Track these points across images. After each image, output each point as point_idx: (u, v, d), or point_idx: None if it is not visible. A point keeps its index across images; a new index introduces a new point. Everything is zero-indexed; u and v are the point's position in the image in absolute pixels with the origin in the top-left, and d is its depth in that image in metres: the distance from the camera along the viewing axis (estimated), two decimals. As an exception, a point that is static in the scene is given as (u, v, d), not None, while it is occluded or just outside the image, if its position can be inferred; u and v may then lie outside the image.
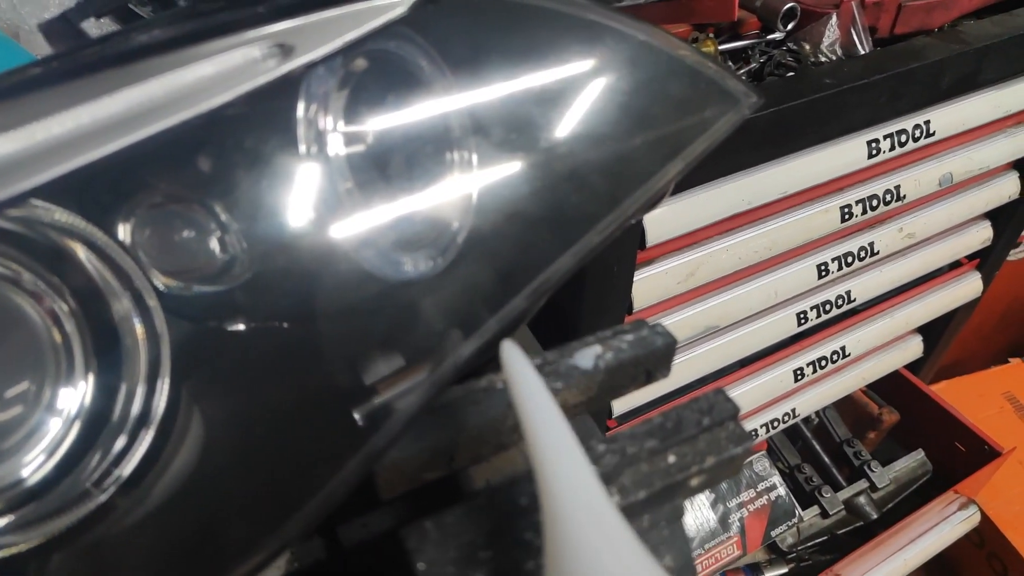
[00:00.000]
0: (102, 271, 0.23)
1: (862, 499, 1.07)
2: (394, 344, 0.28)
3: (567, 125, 0.31)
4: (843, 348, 0.91)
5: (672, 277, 0.67)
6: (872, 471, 1.07)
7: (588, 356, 0.31)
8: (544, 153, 0.31)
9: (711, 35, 0.65)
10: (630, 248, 0.59)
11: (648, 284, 0.66)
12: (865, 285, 0.86)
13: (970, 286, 1.00)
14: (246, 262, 0.25)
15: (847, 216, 0.75)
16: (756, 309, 0.77)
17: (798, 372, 0.89)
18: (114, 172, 0.23)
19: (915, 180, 0.78)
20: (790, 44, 0.66)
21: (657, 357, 0.32)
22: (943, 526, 1.07)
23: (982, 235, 0.95)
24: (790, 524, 1.02)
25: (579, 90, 0.32)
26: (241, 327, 0.26)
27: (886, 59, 0.64)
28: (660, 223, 0.61)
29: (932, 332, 1.05)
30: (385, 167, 0.28)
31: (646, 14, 0.57)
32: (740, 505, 1.00)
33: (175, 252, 0.25)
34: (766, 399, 0.89)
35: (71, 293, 0.24)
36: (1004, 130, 0.84)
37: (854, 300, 0.86)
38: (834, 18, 0.64)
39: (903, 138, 0.71)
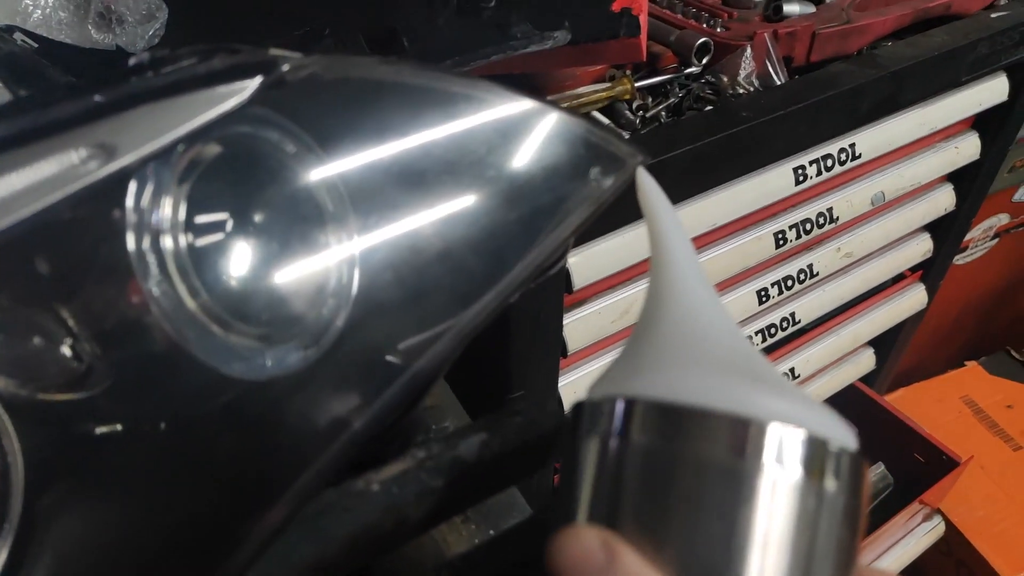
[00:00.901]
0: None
1: (826, 517, 1.06)
2: (258, 450, 0.27)
3: (438, 202, 0.30)
4: (792, 369, 0.90)
5: (605, 316, 0.66)
6: (834, 488, 1.06)
7: (473, 444, 0.29)
8: (419, 233, 0.30)
9: (628, 72, 0.64)
10: (554, 293, 0.58)
11: (581, 325, 0.65)
12: (809, 306, 0.86)
13: (915, 298, 1.01)
14: (102, 370, 0.24)
15: (781, 242, 0.75)
16: (698, 340, 0.76)
17: (749, 397, 0.88)
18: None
19: (847, 201, 0.79)
20: (708, 77, 0.66)
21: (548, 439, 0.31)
22: (909, 539, 1.06)
23: (922, 247, 0.95)
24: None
25: (450, 167, 0.31)
26: (97, 437, 0.24)
27: (802, 88, 0.64)
28: (586, 265, 0.60)
29: (883, 343, 1.06)
30: (246, 256, 0.27)
31: (557, 58, 0.56)
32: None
33: (24, 360, 0.24)
34: (718, 427, 0.88)
35: None
36: (933, 146, 0.85)
37: (799, 321, 0.86)
38: (748, 50, 0.64)
39: (829, 162, 0.71)
